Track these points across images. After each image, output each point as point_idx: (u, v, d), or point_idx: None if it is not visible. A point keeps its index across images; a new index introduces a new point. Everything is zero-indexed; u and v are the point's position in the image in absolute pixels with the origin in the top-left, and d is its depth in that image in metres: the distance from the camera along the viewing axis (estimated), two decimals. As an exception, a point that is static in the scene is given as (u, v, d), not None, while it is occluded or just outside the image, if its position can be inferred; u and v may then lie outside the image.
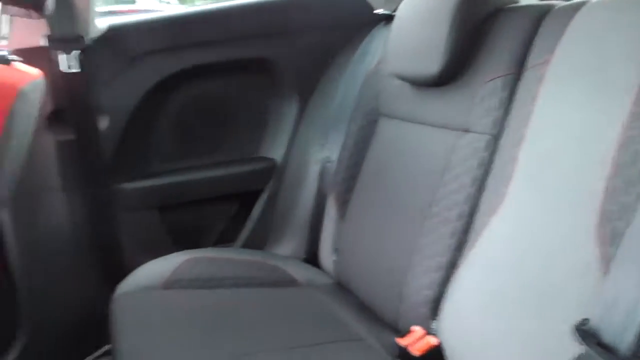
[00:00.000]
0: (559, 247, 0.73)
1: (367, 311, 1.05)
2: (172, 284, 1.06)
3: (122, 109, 1.21)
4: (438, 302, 0.90)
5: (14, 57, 0.80)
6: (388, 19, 1.26)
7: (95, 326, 1.07)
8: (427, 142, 1.02)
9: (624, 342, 0.57)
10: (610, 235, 0.66)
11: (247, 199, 1.43)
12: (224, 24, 1.30)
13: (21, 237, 1.13)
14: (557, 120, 0.79)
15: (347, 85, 1.28)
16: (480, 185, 0.89)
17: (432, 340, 0.87)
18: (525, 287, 0.76)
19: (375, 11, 1.31)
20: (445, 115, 0.99)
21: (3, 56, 0.67)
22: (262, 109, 1.42)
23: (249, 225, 1.42)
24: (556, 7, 0.89)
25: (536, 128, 0.82)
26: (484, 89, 0.92)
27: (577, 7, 0.83)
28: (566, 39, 0.81)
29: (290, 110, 1.41)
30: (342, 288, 1.15)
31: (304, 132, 1.41)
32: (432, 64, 0.96)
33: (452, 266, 0.89)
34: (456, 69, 0.96)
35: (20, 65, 0.75)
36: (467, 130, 0.94)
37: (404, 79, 1.07)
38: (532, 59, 0.86)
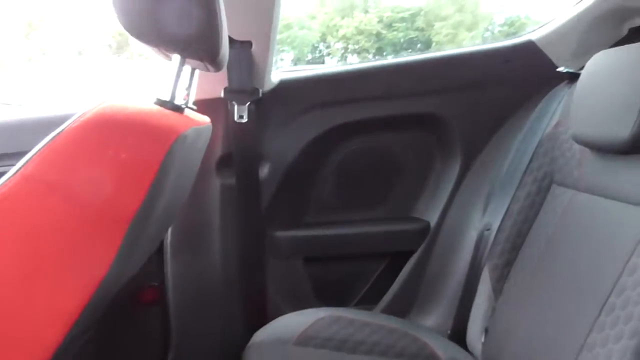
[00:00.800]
0: None
1: None
2: (305, 340, 1.02)
3: (284, 159, 1.25)
4: None
5: (191, 106, 0.87)
6: (572, 78, 1.13)
7: None
8: (610, 219, 0.87)
9: None
10: None
11: (395, 261, 1.36)
12: (392, 80, 1.29)
13: (179, 272, 1.22)
14: None
15: (519, 147, 1.17)
16: None
17: None
18: None
19: (558, 69, 1.19)
20: (637, 190, 0.82)
21: (178, 105, 0.73)
22: (422, 167, 1.36)
23: (394, 288, 1.34)
24: None
25: None
26: None
27: None
28: None
29: (451, 170, 1.33)
30: None
31: (465, 196, 1.31)
32: (623, 128, 0.82)
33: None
34: None
35: (191, 113, 0.81)
36: None
37: (586, 144, 0.94)
38: None
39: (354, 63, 1.47)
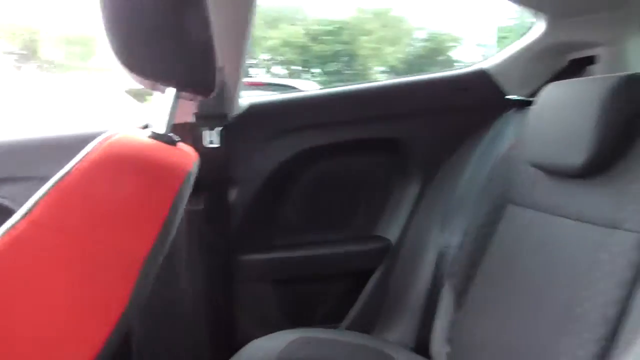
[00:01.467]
0: None
1: None
2: None
3: (252, 183, 1.26)
4: None
5: (177, 137, 0.85)
6: (521, 105, 1.23)
7: None
8: (566, 237, 0.95)
9: None
10: None
11: (359, 278, 1.40)
12: (356, 105, 1.33)
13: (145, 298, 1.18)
14: None
15: (475, 168, 1.25)
16: (630, 288, 0.81)
17: None
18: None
19: (507, 97, 1.29)
20: (589, 209, 0.91)
21: (170, 137, 0.72)
22: (384, 188, 1.42)
23: (358, 305, 1.38)
24: None
25: None
26: (637, 184, 0.85)
27: None
28: None
29: (411, 190, 1.39)
30: None
31: (424, 214, 1.38)
32: (576, 155, 0.91)
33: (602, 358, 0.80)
34: (604, 161, 0.89)
35: (183, 146, 0.81)
36: (615, 227, 0.86)
37: (541, 168, 1.02)
38: None
39: (320, 88, 1.50)
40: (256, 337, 1.13)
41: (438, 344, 1.16)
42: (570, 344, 0.85)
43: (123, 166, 0.58)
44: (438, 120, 1.36)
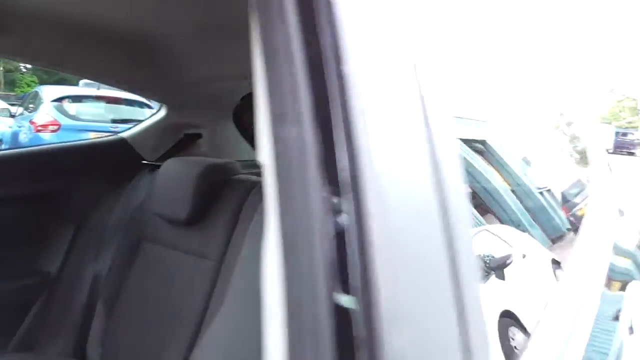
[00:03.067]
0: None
1: None
2: None
3: None
4: None
5: None
6: (152, 167, 1.69)
7: None
8: (178, 262, 1.42)
9: None
10: None
11: (23, 308, 1.60)
12: (21, 166, 1.55)
13: None
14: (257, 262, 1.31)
15: (119, 214, 1.60)
16: (208, 296, 1.33)
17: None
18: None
19: (143, 161, 1.72)
20: (191, 245, 1.41)
21: None
22: (44, 231, 1.65)
23: (22, 329, 1.58)
24: (260, 184, 1.44)
25: (244, 262, 1.32)
26: (214, 231, 1.39)
27: None
28: (260, 210, 1.35)
29: (67, 232, 1.67)
30: None
31: (79, 250, 1.67)
32: (181, 211, 1.39)
33: (190, 350, 1.29)
34: (198, 217, 1.40)
35: None
36: (203, 257, 1.38)
37: (162, 217, 1.47)
38: (241, 219, 1.37)
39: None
40: None
41: (92, 348, 1.48)
42: (174, 333, 1.33)
43: None
44: (89, 178, 1.69)
